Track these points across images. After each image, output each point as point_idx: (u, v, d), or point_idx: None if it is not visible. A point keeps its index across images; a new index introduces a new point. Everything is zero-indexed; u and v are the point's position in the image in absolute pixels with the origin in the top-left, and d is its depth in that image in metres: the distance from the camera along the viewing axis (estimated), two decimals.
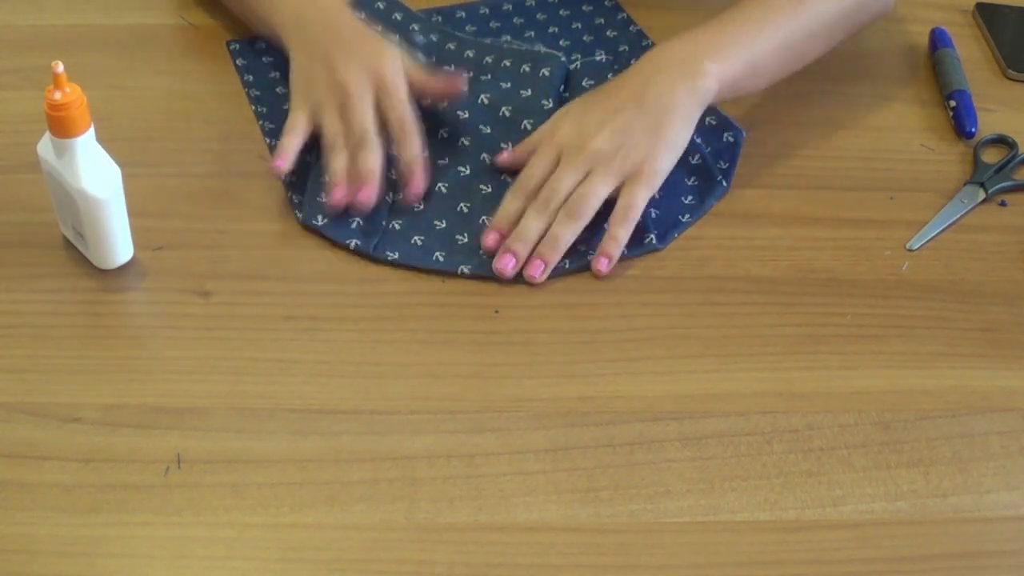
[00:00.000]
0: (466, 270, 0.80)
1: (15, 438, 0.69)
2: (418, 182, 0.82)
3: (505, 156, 0.87)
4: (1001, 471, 0.72)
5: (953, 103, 0.98)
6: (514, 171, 0.85)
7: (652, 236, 0.84)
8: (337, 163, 0.82)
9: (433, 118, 0.90)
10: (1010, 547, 0.68)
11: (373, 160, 0.81)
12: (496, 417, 0.73)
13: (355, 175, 0.81)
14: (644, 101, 0.82)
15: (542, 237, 0.80)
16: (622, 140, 0.81)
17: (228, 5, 0.99)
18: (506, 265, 0.79)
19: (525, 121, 0.90)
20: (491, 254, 0.80)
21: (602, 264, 0.80)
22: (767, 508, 0.69)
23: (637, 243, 0.83)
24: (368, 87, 0.83)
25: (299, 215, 0.84)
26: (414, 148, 0.83)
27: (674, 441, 0.72)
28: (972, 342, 0.80)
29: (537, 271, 0.79)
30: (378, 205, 0.84)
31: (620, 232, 0.80)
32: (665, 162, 0.82)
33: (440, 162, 0.88)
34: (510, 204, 0.82)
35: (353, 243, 0.82)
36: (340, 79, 0.83)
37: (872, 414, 0.75)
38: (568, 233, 0.80)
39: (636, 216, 0.81)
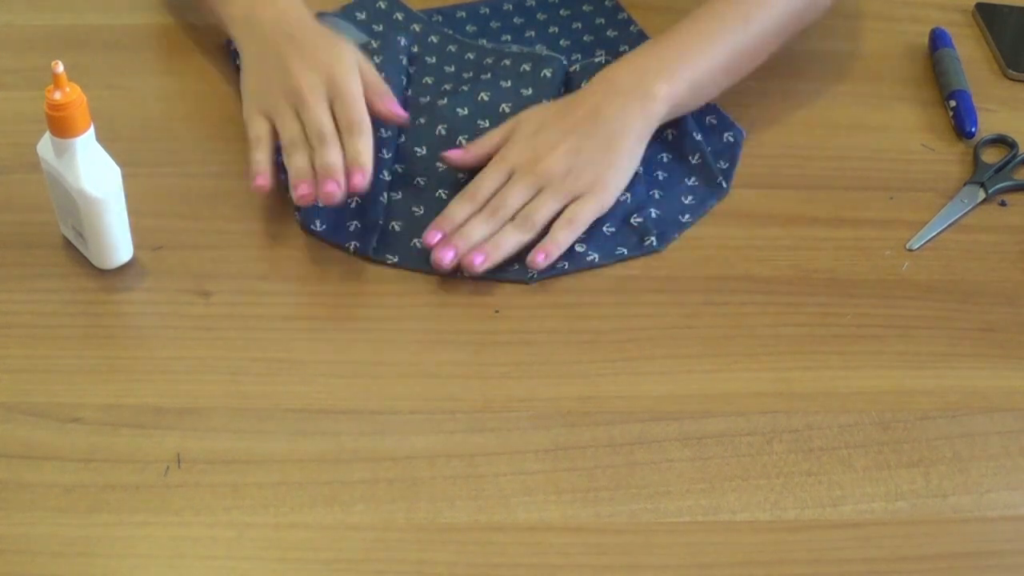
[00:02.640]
0: (465, 272, 0.80)
1: (15, 438, 0.69)
2: (358, 179, 0.79)
3: (455, 155, 0.85)
4: (1001, 471, 0.72)
5: (953, 103, 0.98)
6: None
7: (652, 237, 0.84)
8: (298, 161, 0.81)
9: (432, 115, 0.90)
10: (1010, 547, 0.68)
11: (334, 155, 0.80)
12: (496, 417, 0.73)
13: (320, 171, 0.79)
14: (596, 124, 0.84)
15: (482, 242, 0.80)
16: (573, 162, 0.82)
17: None
18: (444, 257, 0.79)
19: None
20: (430, 249, 0.80)
21: (539, 257, 0.80)
22: (767, 508, 0.69)
23: (637, 243, 0.83)
24: (322, 89, 0.82)
25: (298, 216, 0.84)
26: (359, 144, 0.80)
27: (674, 441, 0.72)
28: (972, 342, 0.80)
29: (478, 259, 0.79)
30: (375, 206, 0.84)
31: (561, 236, 0.81)
32: (615, 183, 0.84)
33: (438, 164, 0.88)
34: (456, 209, 0.81)
35: (352, 246, 0.82)
36: (294, 83, 0.82)
37: (872, 414, 0.75)
38: (513, 241, 0.80)
39: (580, 228, 0.82)
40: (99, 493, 0.67)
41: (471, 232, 0.80)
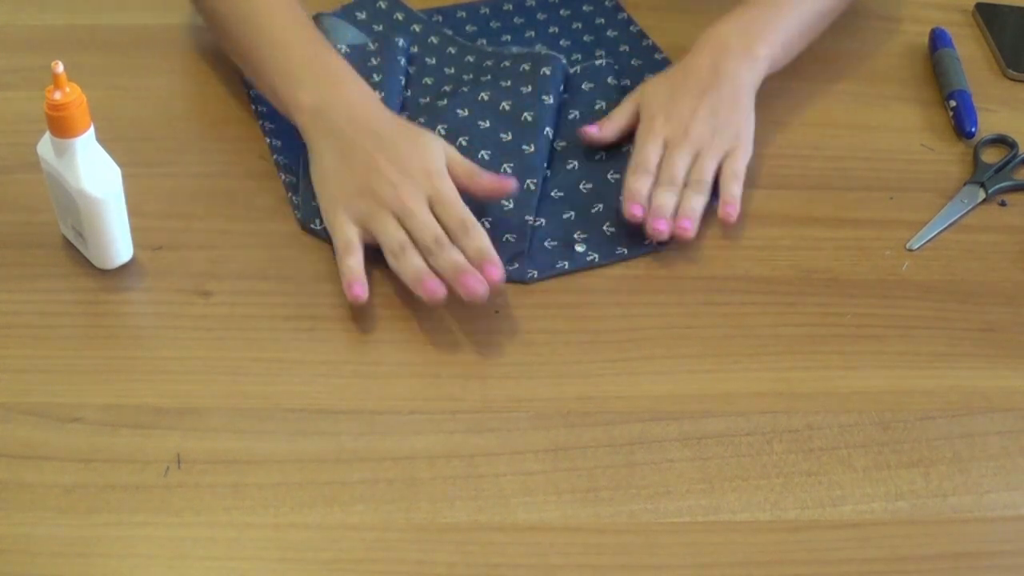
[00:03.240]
0: None
1: (15, 438, 0.69)
2: (495, 272, 0.77)
3: (591, 131, 0.90)
4: (1001, 471, 0.72)
5: (953, 103, 0.98)
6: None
7: None
8: (413, 264, 0.77)
9: (432, 116, 0.90)
10: (1010, 547, 0.68)
11: (459, 255, 0.77)
12: (496, 417, 0.73)
13: (452, 271, 0.77)
14: (720, 82, 0.89)
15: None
16: (715, 123, 0.88)
17: (228, 53, 0.93)
18: (660, 229, 0.82)
19: (525, 113, 0.90)
20: (636, 224, 0.83)
21: (731, 211, 0.85)
22: (767, 508, 0.69)
23: (637, 243, 0.83)
24: (423, 196, 0.80)
25: (298, 216, 0.84)
26: (478, 242, 0.78)
27: (674, 441, 0.72)
28: (972, 342, 0.80)
29: (689, 224, 0.83)
30: None
31: (736, 189, 0.86)
32: (750, 132, 0.89)
33: None
34: (637, 183, 0.84)
35: None
36: (394, 193, 0.79)
37: (872, 414, 0.75)
38: (701, 203, 0.85)
39: (742, 178, 0.87)
40: (99, 493, 0.67)
41: (665, 207, 0.83)
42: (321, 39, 0.88)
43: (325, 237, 0.82)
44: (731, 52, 0.91)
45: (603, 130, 0.90)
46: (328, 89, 0.84)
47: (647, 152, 0.86)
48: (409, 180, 0.80)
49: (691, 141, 0.87)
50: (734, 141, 0.88)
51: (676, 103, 0.89)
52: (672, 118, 0.88)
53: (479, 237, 0.78)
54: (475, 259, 0.77)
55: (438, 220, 0.79)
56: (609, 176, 0.88)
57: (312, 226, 0.83)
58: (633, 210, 0.83)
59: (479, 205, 0.85)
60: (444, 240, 0.78)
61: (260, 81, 0.88)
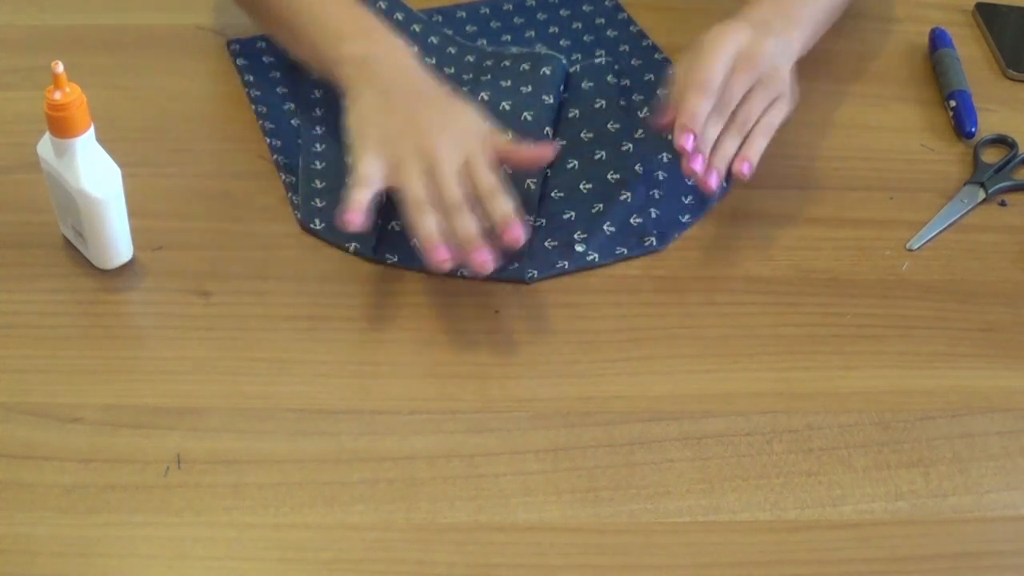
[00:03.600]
0: (466, 272, 0.80)
1: (15, 438, 0.69)
2: (516, 231, 0.77)
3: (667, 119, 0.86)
4: (1001, 471, 0.72)
5: (953, 103, 0.98)
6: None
7: (652, 237, 0.84)
8: (428, 224, 0.77)
9: None
10: (1010, 547, 0.69)
11: (474, 225, 0.77)
12: (496, 417, 0.73)
13: (465, 241, 0.77)
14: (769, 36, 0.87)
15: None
16: (775, 64, 0.85)
17: (263, 24, 0.94)
18: (712, 181, 0.82)
19: (525, 113, 0.90)
20: (683, 153, 0.81)
21: (745, 168, 0.83)
22: (767, 508, 0.69)
23: (637, 243, 0.83)
24: (458, 158, 0.79)
25: (298, 215, 0.84)
26: (503, 206, 0.78)
27: (674, 441, 0.72)
28: (972, 342, 0.80)
29: (746, 167, 0.82)
30: (374, 205, 0.84)
31: (763, 142, 0.84)
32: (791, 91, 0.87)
33: None
34: (697, 105, 0.82)
35: (352, 246, 0.82)
36: (430, 144, 0.79)
37: (872, 414, 0.75)
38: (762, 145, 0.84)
39: (772, 134, 0.85)
40: (99, 493, 0.67)
41: (726, 150, 0.83)
42: (358, 1, 0.89)
43: (325, 237, 0.82)
44: (771, 31, 0.88)
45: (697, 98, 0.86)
46: (372, 43, 0.86)
47: (716, 65, 0.83)
48: (448, 135, 0.80)
49: (754, 66, 0.84)
50: (782, 88, 0.86)
51: (736, 33, 0.85)
52: (735, 47, 0.84)
53: (507, 204, 0.78)
54: (500, 222, 0.77)
55: (471, 181, 0.79)
56: (609, 176, 0.88)
57: (312, 226, 0.83)
58: (684, 142, 0.80)
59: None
60: (463, 207, 0.78)
61: (298, 41, 0.89)
